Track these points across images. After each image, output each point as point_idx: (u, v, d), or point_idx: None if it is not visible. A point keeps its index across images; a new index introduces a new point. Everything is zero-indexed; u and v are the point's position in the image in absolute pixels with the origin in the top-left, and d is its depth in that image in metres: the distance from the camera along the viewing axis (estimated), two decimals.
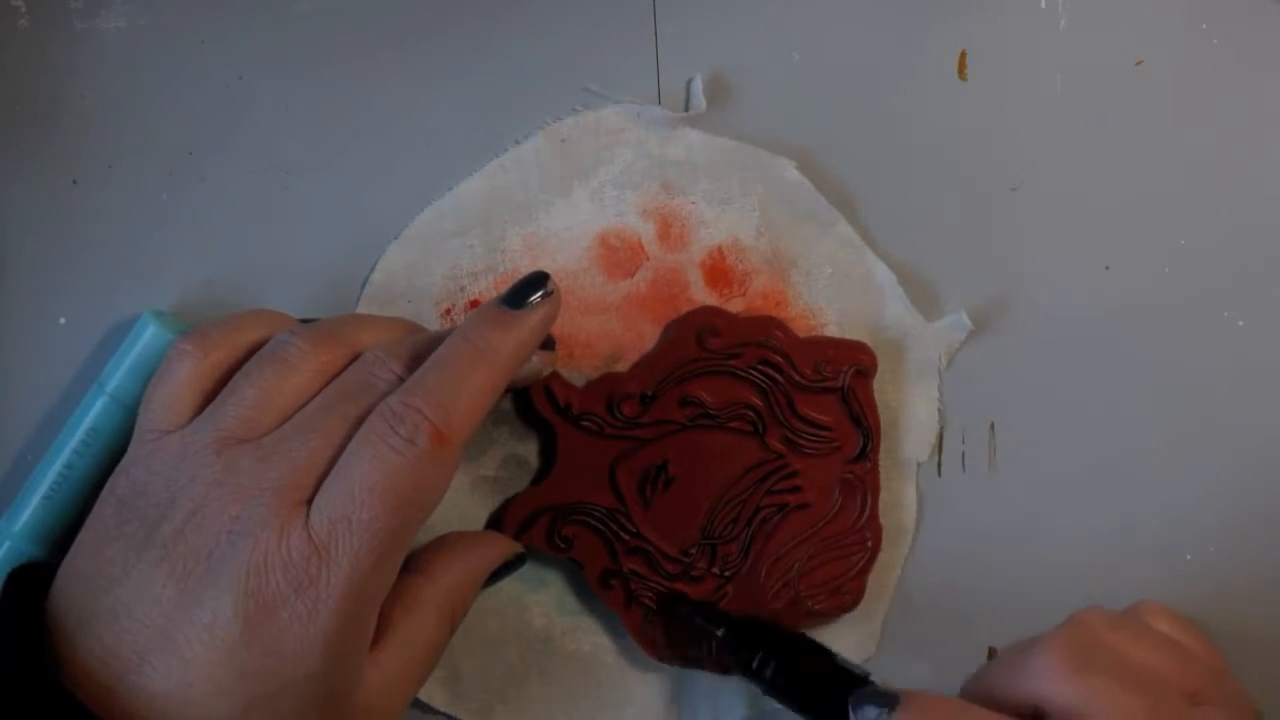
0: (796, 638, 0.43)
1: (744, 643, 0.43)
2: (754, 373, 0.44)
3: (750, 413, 0.44)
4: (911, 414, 0.47)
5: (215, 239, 0.45)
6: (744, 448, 0.45)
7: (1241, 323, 0.48)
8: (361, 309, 0.45)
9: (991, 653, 0.47)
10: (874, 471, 0.45)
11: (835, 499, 0.45)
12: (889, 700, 0.38)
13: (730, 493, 0.45)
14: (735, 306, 0.46)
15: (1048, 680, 0.36)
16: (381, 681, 0.38)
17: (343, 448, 0.37)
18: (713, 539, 0.45)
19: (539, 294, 0.41)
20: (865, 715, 0.38)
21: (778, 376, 0.44)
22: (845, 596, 0.45)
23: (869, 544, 0.45)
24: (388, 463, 0.36)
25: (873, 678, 0.41)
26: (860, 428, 0.45)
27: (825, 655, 0.42)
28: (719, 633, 0.44)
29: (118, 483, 0.39)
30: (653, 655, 0.45)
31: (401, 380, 0.38)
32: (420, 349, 0.40)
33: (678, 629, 0.44)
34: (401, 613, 0.39)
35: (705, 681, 0.46)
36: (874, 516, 0.45)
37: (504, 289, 0.45)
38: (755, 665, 0.42)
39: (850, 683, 0.40)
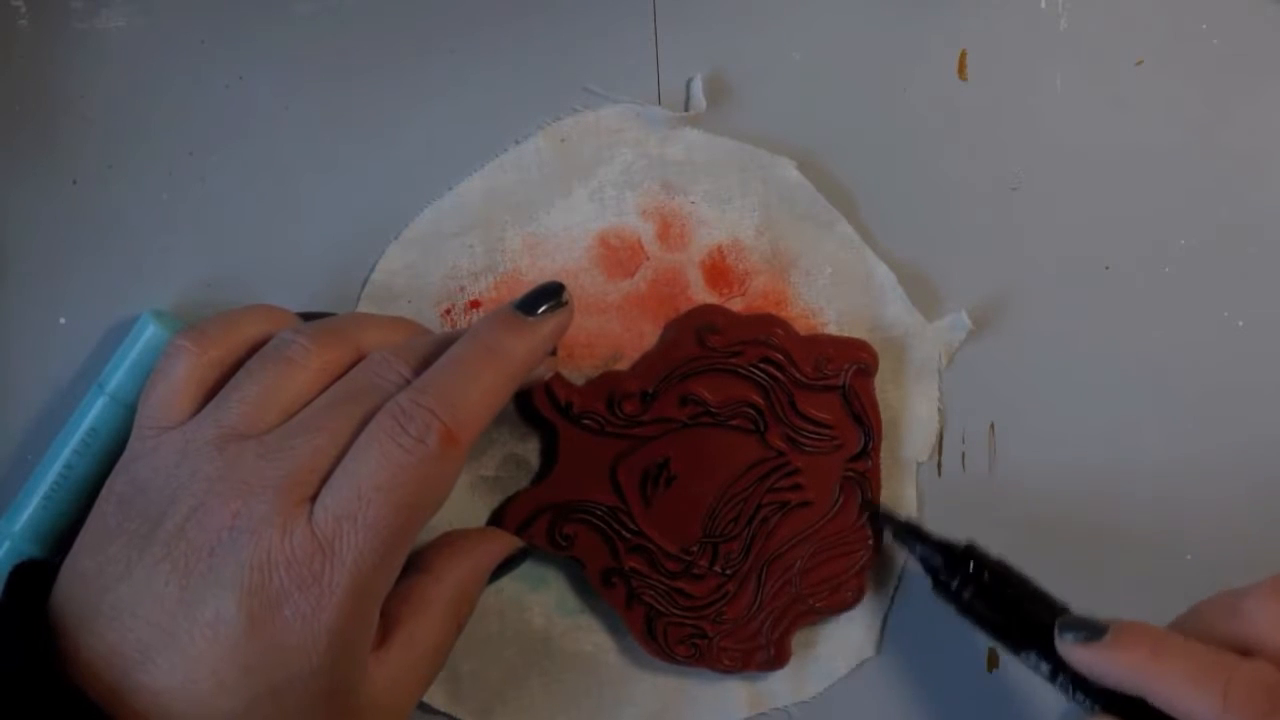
0: (999, 563, 0.43)
1: (944, 563, 0.43)
2: (755, 371, 0.44)
3: (751, 411, 0.44)
4: (912, 414, 0.47)
5: (215, 239, 0.45)
6: (745, 446, 0.45)
7: (1241, 323, 0.48)
8: (361, 309, 0.45)
9: (992, 654, 0.47)
10: (875, 469, 0.45)
11: (836, 497, 0.45)
12: (1096, 628, 0.38)
13: (731, 491, 0.45)
14: (735, 306, 0.46)
15: (1265, 624, 0.37)
16: (387, 680, 0.38)
17: (347, 447, 0.37)
18: (714, 537, 0.45)
19: (553, 302, 0.41)
20: (1071, 640, 0.39)
21: (779, 374, 0.44)
22: (847, 594, 0.45)
23: (870, 542, 0.45)
24: (395, 461, 0.36)
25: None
26: (861, 426, 0.45)
27: (1025, 583, 0.42)
28: (917, 550, 0.44)
29: (118, 481, 0.39)
30: (654, 655, 0.45)
31: (408, 382, 0.38)
32: (428, 352, 0.40)
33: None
34: (408, 612, 0.39)
35: (706, 681, 0.46)
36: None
37: (504, 289, 0.45)
38: (954, 587, 0.42)
39: (1051, 613, 0.41)
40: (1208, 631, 0.38)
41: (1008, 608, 0.42)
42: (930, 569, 0.43)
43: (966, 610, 0.42)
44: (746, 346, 0.44)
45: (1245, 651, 0.37)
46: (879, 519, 0.45)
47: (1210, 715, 0.36)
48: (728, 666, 0.45)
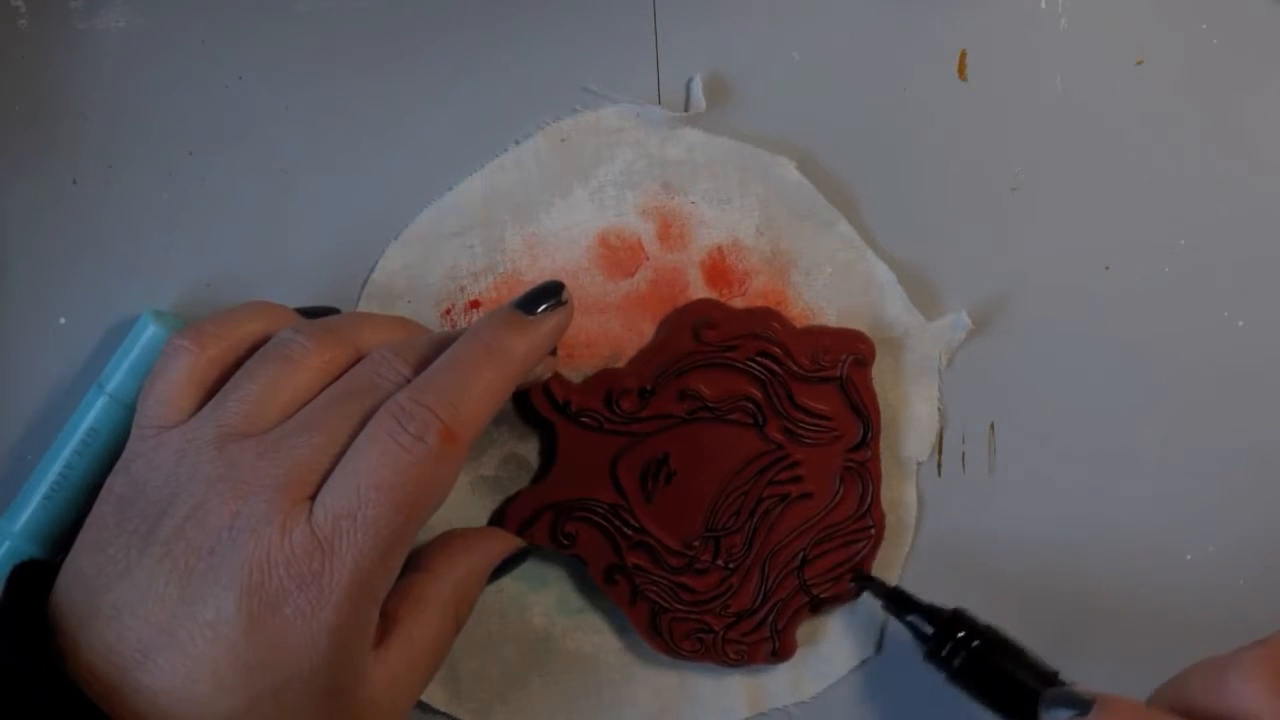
0: (988, 630, 0.43)
1: (935, 629, 0.43)
2: (752, 364, 0.44)
3: (749, 404, 0.44)
4: (911, 413, 0.47)
5: (215, 239, 0.45)
6: (744, 439, 0.45)
7: (1241, 323, 0.48)
8: (361, 309, 0.45)
9: None
10: (875, 460, 0.45)
11: (837, 488, 0.45)
12: (1082, 703, 0.38)
13: (732, 485, 0.45)
14: (735, 306, 0.46)
15: (1250, 698, 0.36)
16: (387, 678, 0.38)
17: (347, 445, 0.37)
18: (716, 531, 0.45)
19: (553, 301, 0.41)
20: (1056, 716, 0.38)
21: (776, 367, 0.44)
22: (850, 584, 0.45)
23: (872, 531, 0.45)
24: (395, 460, 0.36)
25: (1063, 677, 0.41)
26: (860, 416, 0.45)
27: (1017, 651, 0.42)
28: (908, 618, 0.44)
29: (117, 480, 0.39)
30: (660, 650, 0.45)
31: (408, 381, 0.38)
32: (427, 351, 0.40)
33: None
34: (406, 610, 0.39)
35: (706, 681, 0.46)
36: (876, 504, 0.46)
37: (504, 289, 0.45)
38: (945, 653, 0.42)
39: (1040, 680, 0.40)
40: (1192, 701, 0.38)
41: (997, 676, 0.41)
42: (919, 636, 0.43)
43: (956, 677, 0.42)
44: (743, 340, 0.44)
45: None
46: (866, 585, 0.45)
47: None
48: (733, 660, 0.45)
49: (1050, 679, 0.41)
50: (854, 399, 0.45)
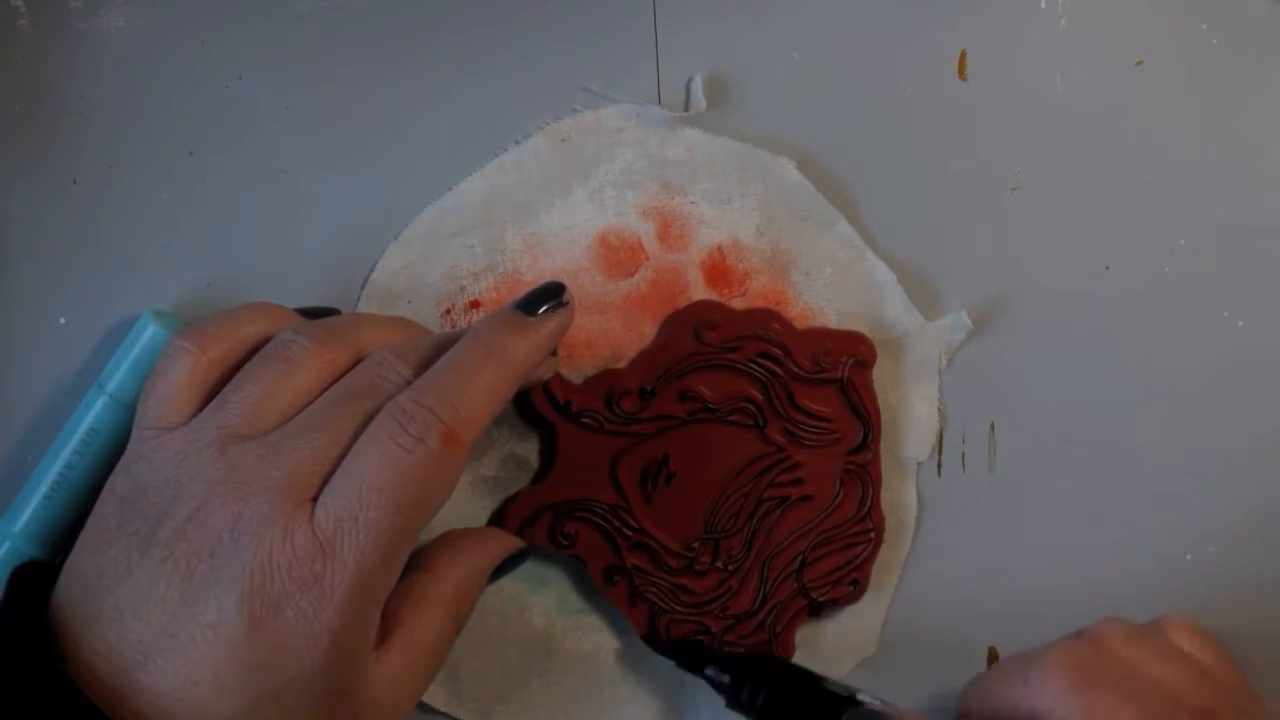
0: (784, 665, 0.43)
1: (732, 676, 0.43)
2: (753, 366, 0.44)
3: (750, 406, 0.44)
4: (911, 414, 0.47)
5: (215, 239, 0.45)
6: (744, 441, 0.45)
7: (1241, 323, 0.48)
8: (361, 309, 0.45)
9: (992, 653, 0.47)
10: (875, 462, 0.45)
11: (837, 490, 0.45)
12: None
13: (732, 486, 0.45)
14: (735, 306, 0.46)
15: (1049, 696, 0.36)
16: (388, 679, 0.38)
17: (348, 447, 0.37)
18: (715, 533, 0.45)
19: (554, 302, 0.41)
20: None
21: (776, 369, 0.44)
22: (848, 587, 0.45)
23: (872, 534, 0.45)
24: (396, 461, 0.36)
25: (862, 695, 0.41)
26: (860, 418, 0.45)
27: (813, 680, 0.42)
28: (707, 671, 0.43)
29: (118, 481, 0.39)
30: (658, 649, 0.45)
31: (409, 383, 0.38)
32: (428, 352, 0.40)
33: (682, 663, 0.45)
34: (407, 611, 0.39)
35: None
36: (876, 506, 0.46)
37: (504, 289, 0.45)
38: (745, 696, 0.42)
39: (840, 705, 0.40)
40: (998, 701, 0.38)
41: (800, 709, 0.41)
42: (718, 687, 0.43)
43: (762, 718, 0.42)
44: (744, 341, 0.44)
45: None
46: (660, 648, 0.45)
47: None
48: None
49: (849, 701, 0.41)
50: (854, 401, 0.45)
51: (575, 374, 0.45)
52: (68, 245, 0.44)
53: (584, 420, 0.44)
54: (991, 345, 0.47)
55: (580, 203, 0.46)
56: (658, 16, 0.46)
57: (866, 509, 0.45)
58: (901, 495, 0.47)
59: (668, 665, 0.46)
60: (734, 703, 0.43)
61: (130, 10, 0.45)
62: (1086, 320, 0.48)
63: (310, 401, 0.39)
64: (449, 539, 0.42)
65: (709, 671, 0.43)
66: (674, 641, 0.45)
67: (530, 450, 0.46)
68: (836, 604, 0.46)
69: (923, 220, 0.47)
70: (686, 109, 0.46)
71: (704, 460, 0.45)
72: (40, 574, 0.38)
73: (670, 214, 0.46)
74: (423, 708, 0.45)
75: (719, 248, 0.46)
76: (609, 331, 0.46)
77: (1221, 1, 0.48)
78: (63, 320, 0.44)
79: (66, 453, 0.42)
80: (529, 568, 0.45)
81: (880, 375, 0.46)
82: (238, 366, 0.40)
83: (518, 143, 0.46)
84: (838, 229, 0.47)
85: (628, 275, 0.46)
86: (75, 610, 0.36)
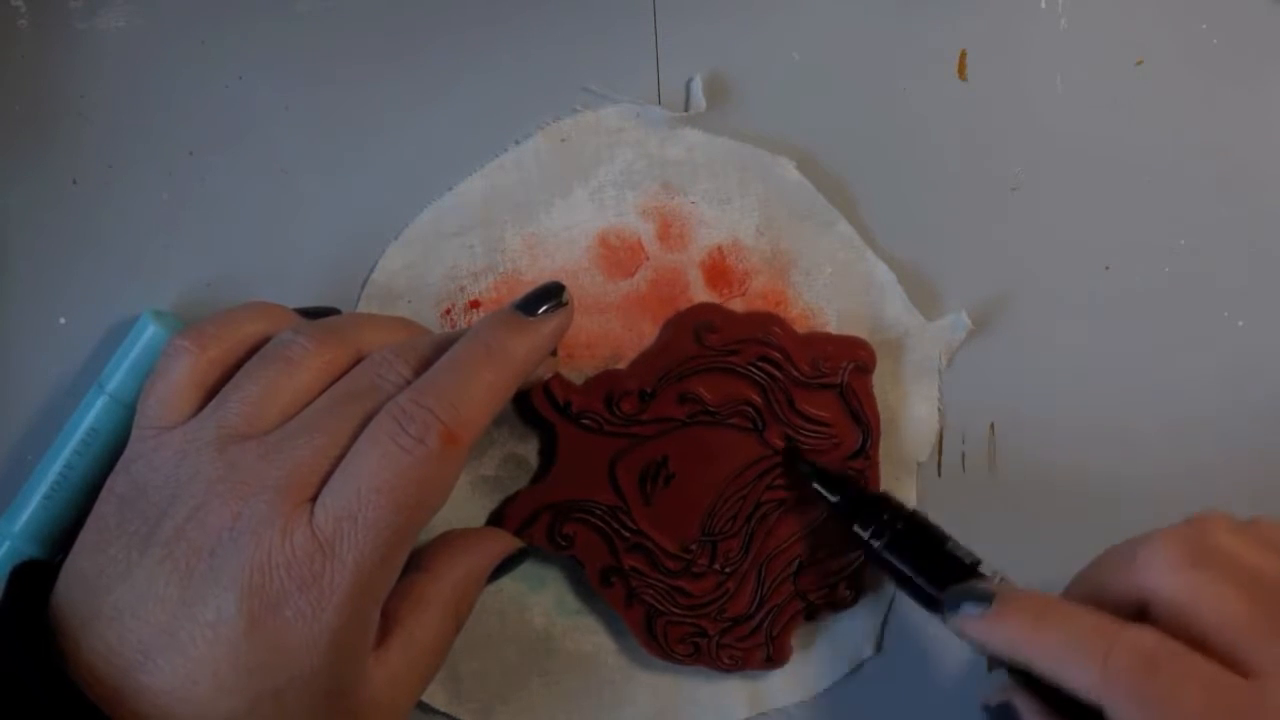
0: (911, 516, 0.43)
1: (858, 512, 0.43)
2: (753, 369, 0.44)
3: (749, 409, 0.44)
4: (911, 414, 0.47)
5: (215, 239, 0.45)
6: (743, 444, 0.45)
7: (1241, 323, 0.48)
8: (361, 309, 0.45)
9: (991, 661, 0.47)
10: (874, 467, 0.45)
11: None
12: (983, 596, 0.39)
13: (730, 489, 0.45)
14: (735, 306, 0.46)
15: (1155, 573, 0.37)
16: (387, 678, 0.38)
17: (348, 447, 0.37)
18: (713, 535, 0.45)
19: (553, 302, 0.41)
20: (959, 613, 0.39)
21: (776, 373, 0.44)
22: (845, 591, 0.45)
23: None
24: (396, 461, 0.36)
25: (983, 568, 0.41)
26: (859, 424, 0.45)
27: (938, 540, 0.42)
28: (834, 499, 0.44)
29: (118, 481, 0.39)
30: (654, 654, 0.45)
31: (408, 383, 0.38)
32: (428, 352, 0.40)
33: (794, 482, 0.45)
34: (406, 610, 0.39)
35: (706, 682, 0.46)
36: None
37: (504, 289, 0.45)
38: (867, 536, 0.42)
39: (955, 571, 0.41)
40: (1105, 582, 0.38)
41: (917, 564, 0.42)
42: (844, 516, 0.43)
43: (876, 561, 0.42)
44: (744, 345, 0.44)
45: (1139, 600, 0.37)
46: (795, 463, 0.45)
47: (1091, 684, 0.36)
48: (727, 665, 0.45)
49: (969, 571, 0.41)
50: (854, 406, 0.45)
51: (575, 374, 0.45)
52: (68, 245, 0.44)
53: (584, 421, 0.44)
54: (991, 345, 0.47)
55: (580, 203, 0.46)
56: (658, 16, 0.46)
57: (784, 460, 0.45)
58: (902, 495, 0.47)
59: (667, 665, 0.46)
60: (854, 538, 0.43)
61: (130, 10, 0.45)
62: (1086, 320, 0.48)
63: (310, 401, 0.39)
64: (448, 539, 0.42)
65: (836, 499, 0.43)
66: (812, 464, 0.45)
67: (530, 450, 0.46)
68: (834, 607, 0.46)
69: (923, 220, 0.47)
70: (686, 109, 0.46)
71: (703, 463, 0.45)
72: (40, 573, 0.38)
73: (670, 214, 0.46)
74: (422, 708, 0.45)
75: (719, 248, 0.46)
76: (609, 332, 0.46)
77: (1221, 1, 0.48)
78: (63, 320, 0.45)
79: (66, 453, 0.42)
80: (528, 568, 0.45)
81: (880, 375, 0.46)
82: (238, 366, 0.40)
83: (518, 143, 0.46)
84: (838, 229, 0.47)
85: (628, 275, 0.46)
86: (75, 609, 0.36)
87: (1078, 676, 0.36)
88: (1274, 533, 0.39)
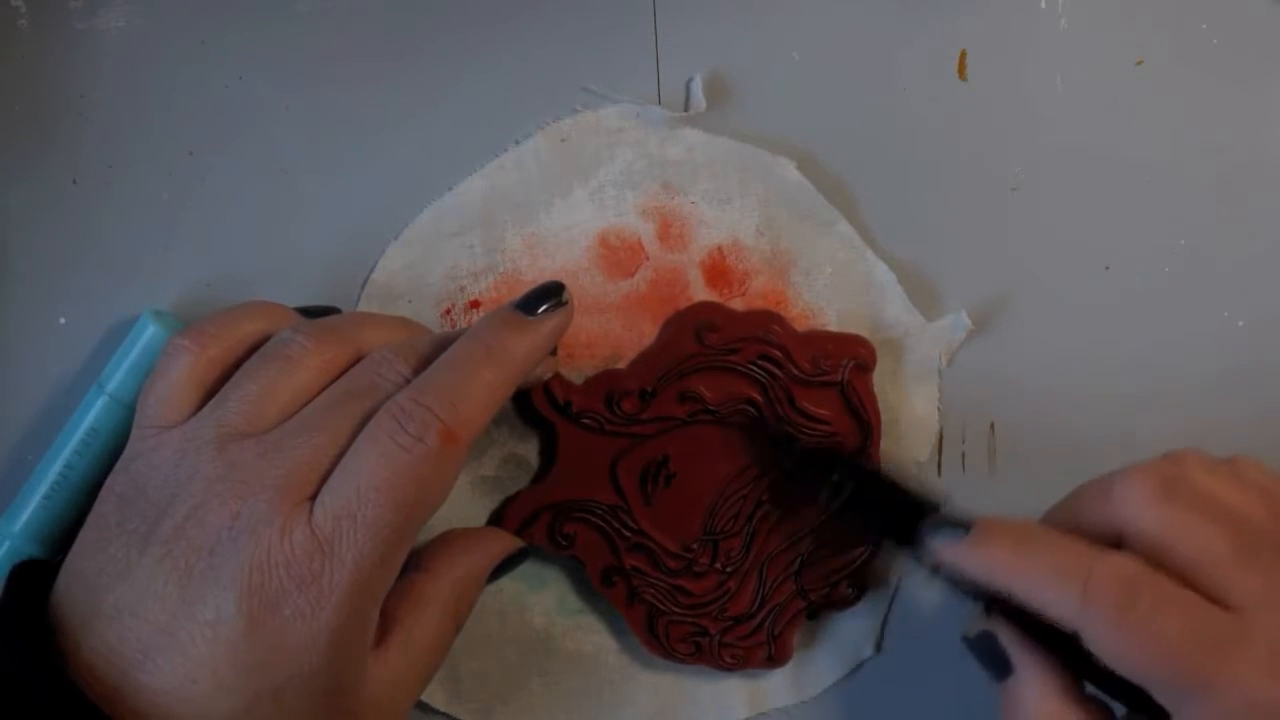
0: (876, 466, 0.43)
1: (824, 462, 0.43)
2: (753, 368, 0.44)
3: (750, 408, 0.44)
4: (911, 414, 0.47)
5: (215, 239, 0.45)
6: (744, 443, 0.45)
7: (1241, 323, 0.48)
8: (361, 309, 0.45)
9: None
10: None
11: None
12: (961, 527, 0.39)
13: (731, 488, 0.45)
14: (735, 306, 0.46)
15: (1131, 506, 0.37)
16: (386, 678, 0.38)
17: (347, 446, 0.37)
18: (714, 534, 0.45)
19: (553, 302, 0.41)
20: (936, 541, 0.39)
21: (777, 371, 0.44)
22: (847, 590, 0.45)
23: (871, 537, 0.45)
24: (395, 460, 0.36)
25: (947, 508, 0.41)
26: (860, 421, 0.45)
27: (902, 482, 0.42)
28: (796, 449, 0.44)
29: (117, 480, 0.39)
30: (655, 653, 0.45)
31: (408, 381, 0.38)
32: (427, 351, 0.40)
33: (759, 443, 0.45)
34: (406, 610, 0.39)
35: (706, 681, 0.46)
36: None
37: (504, 289, 0.45)
38: (835, 481, 0.42)
39: (924, 510, 0.41)
40: (1080, 516, 0.39)
41: (886, 508, 0.42)
42: (811, 467, 0.43)
43: (846, 508, 0.42)
44: (744, 343, 0.44)
45: (1115, 534, 0.37)
46: (768, 437, 0.45)
47: (1070, 610, 0.36)
48: (729, 664, 0.45)
49: (934, 509, 0.41)
50: (854, 404, 0.45)
51: (575, 374, 0.45)
52: (68, 245, 0.44)
53: (584, 421, 0.44)
54: (991, 345, 0.47)
55: (580, 203, 0.46)
56: (658, 16, 0.46)
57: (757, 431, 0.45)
58: None
59: (667, 665, 0.46)
60: (827, 493, 0.43)
61: (130, 10, 0.45)
62: (1086, 320, 0.48)
63: (310, 400, 0.39)
64: (448, 539, 0.42)
65: (802, 458, 0.44)
66: (779, 431, 0.45)
67: (530, 450, 0.46)
68: (836, 606, 0.46)
69: (923, 220, 0.47)
70: (686, 109, 0.46)
71: (704, 462, 0.45)
72: (40, 572, 0.38)
73: (670, 214, 0.46)
74: (422, 708, 0.45)
75: (719, 248, 0.46)
76: (609, 331, 0.46)
77: (1221, 1, 0.48)
78: (63, 320, 0.45)
79: (66, 453, 0.42)
80: (529, 568, 0.45)
81: (880, 375, 0.46)
82: (237, 365, 0.40)
83: (518, 143, 0.46)
84: (838, 229, 0.47)
85: (628, 275, 0.46)
86: (75, 609, 0.36)
87: (1057, 602, 0.36)
88: (1250, 469, 0.39)
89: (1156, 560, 0.36)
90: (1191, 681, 0.35)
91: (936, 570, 0.40)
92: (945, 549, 0.39)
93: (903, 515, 0.41)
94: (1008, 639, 0.39)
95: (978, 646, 0.39)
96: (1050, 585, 0.36)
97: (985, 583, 0.38)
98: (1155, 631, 0.35)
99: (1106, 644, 0.36)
